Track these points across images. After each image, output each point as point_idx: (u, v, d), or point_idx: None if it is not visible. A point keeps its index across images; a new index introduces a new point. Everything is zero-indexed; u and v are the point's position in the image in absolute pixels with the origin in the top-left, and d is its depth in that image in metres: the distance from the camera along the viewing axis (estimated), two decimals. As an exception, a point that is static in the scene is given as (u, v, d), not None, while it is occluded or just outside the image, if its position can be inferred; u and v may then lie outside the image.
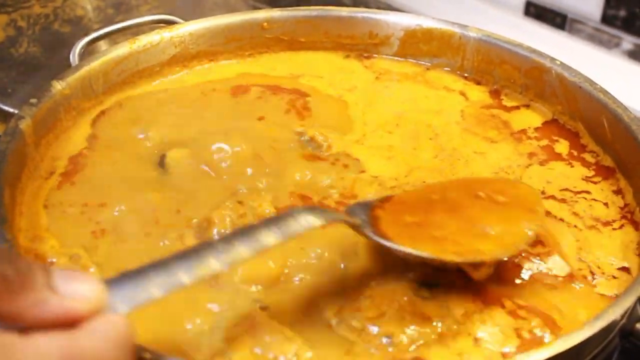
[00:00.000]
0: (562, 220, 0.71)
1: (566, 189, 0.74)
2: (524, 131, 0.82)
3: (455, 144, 0.79)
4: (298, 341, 0.58)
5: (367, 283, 0.63)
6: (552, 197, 0.73)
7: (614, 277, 0.65)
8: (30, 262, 0.44)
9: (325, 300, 0.62)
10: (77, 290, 0.44)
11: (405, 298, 0.61)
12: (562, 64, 0.83)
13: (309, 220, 0.56)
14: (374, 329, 0.59)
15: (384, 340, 0.59)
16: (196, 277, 0.49)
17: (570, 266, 0.66)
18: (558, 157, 0.79)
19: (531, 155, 0.78)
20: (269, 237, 0.53)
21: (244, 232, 0.53)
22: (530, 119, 0.84)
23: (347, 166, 0.76)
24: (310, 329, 0.60)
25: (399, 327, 0.59)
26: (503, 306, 0.62)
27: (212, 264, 0.50)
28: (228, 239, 0.52)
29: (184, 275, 0.49)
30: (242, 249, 0.52)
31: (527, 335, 0.60)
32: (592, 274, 0.66)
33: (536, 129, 0.82)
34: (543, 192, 0.73)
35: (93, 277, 0.46)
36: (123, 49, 0.83)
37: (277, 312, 0.60)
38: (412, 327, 0.59)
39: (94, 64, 0.81)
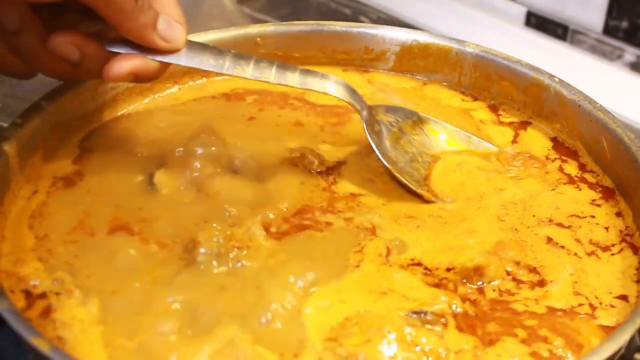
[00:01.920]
0: (563, 247, 0.69)
1: (573, 215, 0.73)
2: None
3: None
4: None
5: (357, 309, 0.62)
6: (559, 224, 0.72)
7: (612, 307, 0.64)
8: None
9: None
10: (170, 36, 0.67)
11: (394, 325, 0.60)
12: (561, 81, 0.81)
13: (330, 89, 0.74)
14: (360, 357, 0.58)
15: None
16: (234, 71, 0.70)
17: (567, 300, 0.65)
18: (568, 179, 0.77)
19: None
20: (293, 79, 0.72)
21: (279, 65, 0.72)
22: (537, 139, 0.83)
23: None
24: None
25: (384, 353, 0.58)
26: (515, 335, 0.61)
27: (248, 70, 0.71)
28: (262, 62, 0.71)
29: (229, 66, 0.70)
30: (271, 73, 0.71)
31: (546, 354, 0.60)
32: (592, 307, 0.64)
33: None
34: (550, 220, 0.72)
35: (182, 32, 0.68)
36: (112, 66, 0.81)
37: (262, 338, 0.59)
38: (398, 353, 0.58)
39: (83, 82, 0.79)
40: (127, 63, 0.66)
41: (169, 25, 0.67)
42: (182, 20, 0.68)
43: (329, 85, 0.73)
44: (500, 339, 0.61)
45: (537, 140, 0.81)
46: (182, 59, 0.69)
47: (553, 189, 0.75)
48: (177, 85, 0.87)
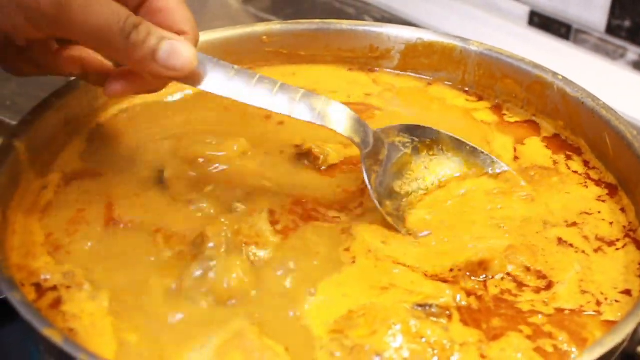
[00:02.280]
0: (571, 245, 0.69)
1: (583, 212, 0.73)
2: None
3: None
4: (287, 358, 0.58)
5: (361, 302, 0.63)
6: (571, 223, 0.72)
7: (617, 302, 0.64)
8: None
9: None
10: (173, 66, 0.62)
11: (399, 317, 0.61)
12: (565, 79, 0.82)
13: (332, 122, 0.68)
14: (365, 347, 0.59)
15: (375, 358, 0.58)
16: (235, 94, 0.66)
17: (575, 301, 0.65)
18: (577, 176, 0.77)
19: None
20: (282, 104, 0.66)
21: (282, 86, 0.67)
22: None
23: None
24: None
25: (389, 345, 0.59)
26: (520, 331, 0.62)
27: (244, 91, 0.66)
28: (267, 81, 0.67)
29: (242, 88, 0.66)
30: (276, 99, 0.66)
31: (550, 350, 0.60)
32: (598, 303, 0.64)
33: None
34: (564, 221, 0.72)
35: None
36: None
37: (268, 329, 0.60)
38: (403, 344, 0.59)
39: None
40: (123, 83, 0.65)
41: (172, 54, 0.61)
42: (190, 26, 0.65)
43: (331, 114, 0.68)
44: (505, 333, 0.61)
45: (537, 150, 0.81)
46: (193, 83, 0.65)
47: (566, 191, 0.76)
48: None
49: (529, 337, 0.61)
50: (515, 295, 0.64)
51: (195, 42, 0.65)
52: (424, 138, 0.76)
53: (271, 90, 0.66)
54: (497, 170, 0.76)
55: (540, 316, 0.62)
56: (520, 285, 0.65)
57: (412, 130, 0.75)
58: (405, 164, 0.75)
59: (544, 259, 0.68)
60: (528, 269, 0.67)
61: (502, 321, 0.62)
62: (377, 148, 0.72)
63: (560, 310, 0.63)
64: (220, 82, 0.65)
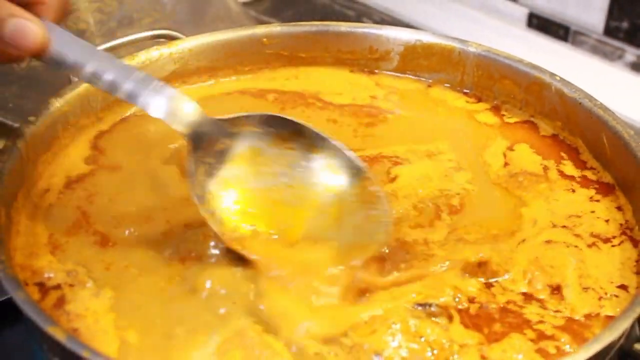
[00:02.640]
0: (563, 242, 0.70)
1: (572, 215, 0.73)
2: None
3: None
4: (287, 356, 0.59)
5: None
6: (557, 226, 0.72)
7: (615, 296, 0.65)
8: None
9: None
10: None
11: (398, 317, 0.61)
12: (562, 80, 0.82)
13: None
14: (365, 346, 0.59)
15: (374, 357, 0.59)
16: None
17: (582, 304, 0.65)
18: (565, 178, 0.78)
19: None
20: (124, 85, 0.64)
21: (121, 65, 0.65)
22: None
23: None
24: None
25: (389, 344, 0.60)
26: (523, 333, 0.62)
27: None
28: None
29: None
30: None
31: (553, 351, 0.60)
32: (600, 298, 0.65)
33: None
34: (553, 225, 0.72)
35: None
36: (122, 65, 0.83)
37: (271, 328, 0.61)
38: (402, 344, 0.59)
39: (93, 81, 0.81)
40: None
41: (18, 32, 0.60)
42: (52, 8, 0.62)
43: (147, 94, 0.64)
44: (507, 335, 0.61)
45: (526, 156, 0.81)
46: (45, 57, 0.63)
47: (555, 198, 0.76)
48: (185, 84, 0.88)
49: (531, 340, 0.61)
50: (521, 307, 0.64)
51: (55, 11, 0.63)
52: (281, 130, 0.68)
53: (110, 64, 0.64)
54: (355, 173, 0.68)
55: (548, 324, 0.63)
56: (530, 297, 0.65)
57: (269, 122, 0.68)
58: (253, 157, 0.69)
59: (542, 263, 0.68)
60: (551, 287, 0.66)
61: (504, 326, 0.62)
62: (212, 137, 0.66)
63: (570, 319, 0.63)
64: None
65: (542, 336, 0.61)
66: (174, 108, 0.65)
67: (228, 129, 0.67)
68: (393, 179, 0.76)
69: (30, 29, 0.60)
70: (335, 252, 0.66)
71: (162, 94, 0.64)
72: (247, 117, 0.67)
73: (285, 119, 0.68)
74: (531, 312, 0.63)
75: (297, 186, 0.68)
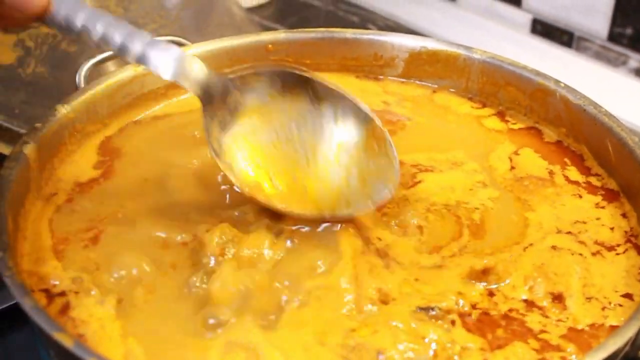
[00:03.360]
0: (568, 249, 0.70)
1: (578, 221, 0.73)
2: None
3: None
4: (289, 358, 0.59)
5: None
6: (562, 232, 0.72)
7: (620, 305, 0.65)
8: None
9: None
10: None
11: (401, 318, 0.62)
12: (567, 87, 0.83)
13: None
14: (367, 346, 0.60)
15: (379, 356, 0.59)
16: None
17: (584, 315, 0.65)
18: (571, 183, 0.78)
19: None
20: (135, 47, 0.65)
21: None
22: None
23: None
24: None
25: (392, 344, 0.60)
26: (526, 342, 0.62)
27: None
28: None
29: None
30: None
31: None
32: (603, 308, 0.65)
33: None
34: (558, 231, 0.72)
35: None
36: (128, 72, 0.84)
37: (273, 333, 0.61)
38: (405, 344, 0.60)
39: (99, 88, 0.81)
40: None
41: None
42: None
43: (154, 55, 0.66)
44: (510, 343, 0.61)
45: (532, 160, 0.81)
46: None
47: (561, 203, 0.76)
48: (185, 95, 0.89)
49: (535, 350, 0.61)
50: (524, 315, 0.64)
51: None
52: (289, 83, 0.69)
53: (110, 25, 0.65)
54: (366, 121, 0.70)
55: (551, 334, 0.63)
56: (531, 304, 0.65)
57: (277, 76, 0.69)
58: (263, 110, 0.70)
59: (546, 270, 0.68)
60: (552, 295, 0.66)
61: (507, 333, 0.62)
62: (222, 94, 0.68)
63: (572, 329, 0.63)
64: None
65: (546, 346, 0.61)
66: (183, 68, 0.66)
67: (237, 85, 0.69)
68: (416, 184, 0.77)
69: None
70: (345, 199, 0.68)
71: (171, 55, 0.66)
72: (255, 73, 0.69)
73: (293, 72, 0.69)
74: (533, 320, 0.63)
75: (308, 135, 0.70)
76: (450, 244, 0.70)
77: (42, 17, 0.64)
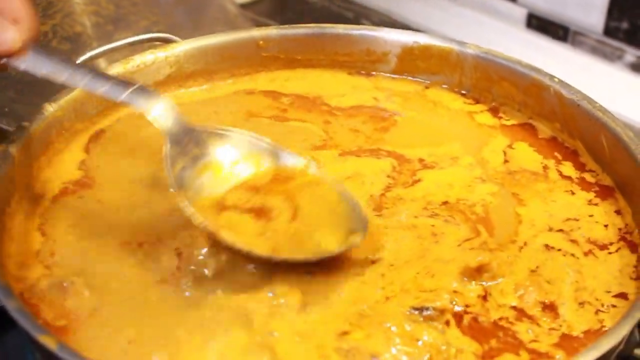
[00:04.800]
0: (559, 250, 0.69)
1: (570, 219, 0.72)
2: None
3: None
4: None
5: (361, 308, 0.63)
6: (554, 229, 0.71)
7: (614, 306, 0.64)
8: None
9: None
10: None
11: (395, 321, 0.61)
12: (561, 82, 0.82)
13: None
14: (361, 350, 0.59)
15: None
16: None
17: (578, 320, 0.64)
18: (564, 179, 0.77)
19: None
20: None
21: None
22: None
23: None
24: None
25: (386, 347, 0.59)
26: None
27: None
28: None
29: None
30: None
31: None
32: (597, 312, 0.64)
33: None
34: (550, 229, 0.71)
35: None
36: (117, 69, 0.83)
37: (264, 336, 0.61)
38: (399, 347, 0.59)
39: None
40: None
41: None
42: (23, 17, 0.66)
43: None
44: (505, 352, 0.61)
45: (527, 154, 0.81)
46: (21, 64, 0.67)
47: (552, 199, 0.75)
48: (181, 88, 0.88)
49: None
50: (512, 323, 0.63)
51: (28, 30, 0.66)
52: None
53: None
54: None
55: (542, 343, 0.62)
56: (521, 313, 0.64)
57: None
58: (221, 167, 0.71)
59: (538, 279, 0.66)
60: (542, 304, 0.65)
61: (500, 344, 0.61)
62: (185, 141, 0.69)
63: (567, 336, 0.62)
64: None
65: (536, 355, 0.60)
66: (155, 110, 0.68)
67: (206, 139, 0.70)
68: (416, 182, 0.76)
69: (8, 31, 0.65)
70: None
71: (146, 96, 0.68)
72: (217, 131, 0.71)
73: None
74: (523, 330, 0.62)
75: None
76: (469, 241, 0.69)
77: (15, 58, 0.66)
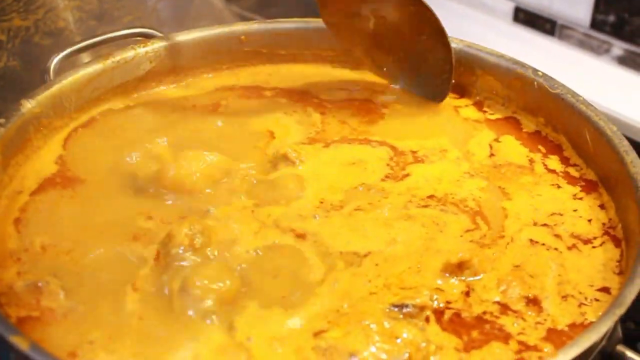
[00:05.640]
0: (543, 244, 0.69)
1: (554, 213, 0.72)
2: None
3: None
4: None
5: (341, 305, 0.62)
6: (538, 224, 0.71)
7: (596, 300, 0.64)
8: None
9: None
10: None
11: (373, 318, 0.60)
12: (545, 75, 0.81)
13: None
14: (339, 348, 0.58)
15: (351, 358, 0.58)
16: None
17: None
18: (550, 172, 0.77)
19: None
20: None
21: None
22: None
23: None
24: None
25: (364, 345, 0.58)
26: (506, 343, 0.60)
27: None
28: None
29: None
30: None
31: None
32: (580, 305, 0.63)
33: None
34: (535, 223, 0.71)
35: None
36: (96, 65, 0.82)
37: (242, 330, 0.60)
38: (378, 345, 0.58)
39: (66, 82, 0.79)
40: None
41: None
42: None
43: None
44: (487, 344, 0.60)
45: (513, 148, 0.80)
46: None
47: (538, 193, 0.75)
48: (162, 84, 0.87)
49: (512, 350, 0.60)
50: (497, 317, 0.62)
51: None
52: None
53: None
54: None
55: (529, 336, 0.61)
56: (505, 307, 0.63)
57: None
58: None
59: (522, 274, 0.66)
60: (527, 298, 0.64)
61: (482, 335, 0.61)
62: None
63: (553, 330, 0.62)
64: None
65: (523, 346, 0.60)
66: None
67: None
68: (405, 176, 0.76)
69: None
70: None
71: None
72: None
73: None
74: (508, 323, 0.62)
75: None
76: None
77: None
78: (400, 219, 0.70)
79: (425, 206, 0.72)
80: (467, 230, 0.69)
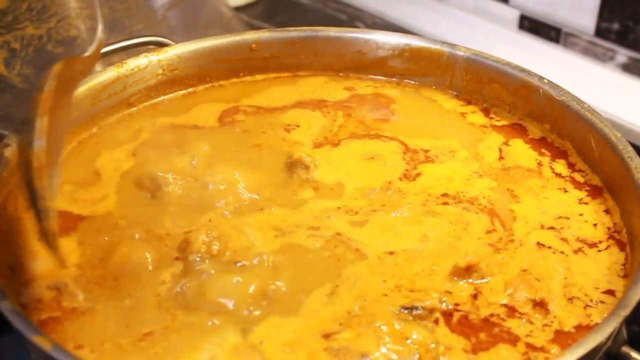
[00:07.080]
0: (550, 248, 0.70)
1: (561, 217, 0.73)
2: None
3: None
4: None
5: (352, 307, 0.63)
6: (545, 227, 0.72)
7: (602, 302, 0.65)
8: None
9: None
10: None
11: (384, 320, 0.62)
12: (550, 83, 0.83)
13: None
14: (351, 349, 0.60)
15: (363, 359, 0.59)
16: None
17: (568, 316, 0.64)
18: (557, 176, 0.78)
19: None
20: None
21: None
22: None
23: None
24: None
25: (375, 346, 0.60)
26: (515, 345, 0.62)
27: None
28: None
29: None
30: None
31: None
32: (586, 307, 0.65)
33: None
34: (542, 226, 0.72)
35: None
36: (110, 73, 0.83)
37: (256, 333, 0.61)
38: (389, 346, 0.60)
39: (82, 89, 0.81)
40: None
41: None
42: None
43: None
44: (495, 346, 0.61)
45: (522, 151, 0.82)
46: None
47: (545, 196, 0.76)
48: (174, 91, 0.89)
49: (519, 352, 0.61)
50: (504, 320, 0.64)
51: None
52: None
53: None
54: None
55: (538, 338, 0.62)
56: (512, 310, 0.64)
57: None
58: None
59: (528, 277, 0.67)
60: (533, 301, 0.65)
61: (490, 337, 0.62)
62: None
63: (559, 332, 0.63)
64: None
65: (530, 348, 0.61)
66: None
67: None
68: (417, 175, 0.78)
69: None
70: None
71: None
72: None
73: None
74: (517, 325, 0.63)
75: None
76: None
77: None
78: (428, 215, 0.72)
79: (445, 204, 0.74)
80: (488, 232, 0.71)
